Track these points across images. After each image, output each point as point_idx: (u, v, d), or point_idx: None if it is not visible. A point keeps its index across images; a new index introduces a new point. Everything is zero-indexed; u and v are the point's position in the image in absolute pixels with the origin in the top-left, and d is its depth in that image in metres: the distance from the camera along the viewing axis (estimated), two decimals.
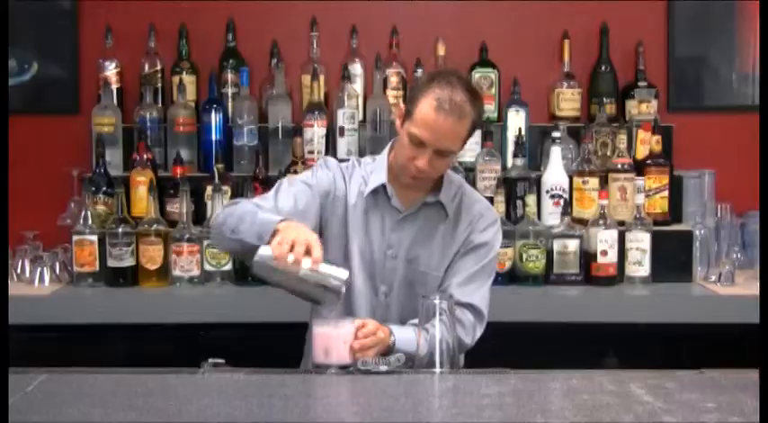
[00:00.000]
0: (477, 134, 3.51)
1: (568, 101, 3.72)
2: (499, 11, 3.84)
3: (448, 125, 2.30)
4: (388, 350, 2.28)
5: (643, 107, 3.59)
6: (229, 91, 3.70)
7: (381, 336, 2.28)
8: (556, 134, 3.46)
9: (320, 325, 2.17)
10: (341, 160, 2.59)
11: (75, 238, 3.31)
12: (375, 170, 2.50)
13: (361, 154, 3.52)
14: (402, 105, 2.44)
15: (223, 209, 2.48)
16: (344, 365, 2.13)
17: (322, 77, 3.60)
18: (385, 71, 3.68)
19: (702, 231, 3.45)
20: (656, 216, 3.42)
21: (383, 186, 2.47)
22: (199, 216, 3.43)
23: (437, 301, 2.19)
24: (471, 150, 3.53)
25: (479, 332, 2.48)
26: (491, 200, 3.36)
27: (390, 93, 3.68)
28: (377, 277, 2.49)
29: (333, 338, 2.14)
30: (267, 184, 3.41)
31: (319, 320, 2.19)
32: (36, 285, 3.33)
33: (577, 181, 3.45)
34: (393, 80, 3.70)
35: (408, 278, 2.48)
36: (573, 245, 3.34)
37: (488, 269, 2.53)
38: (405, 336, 2.31)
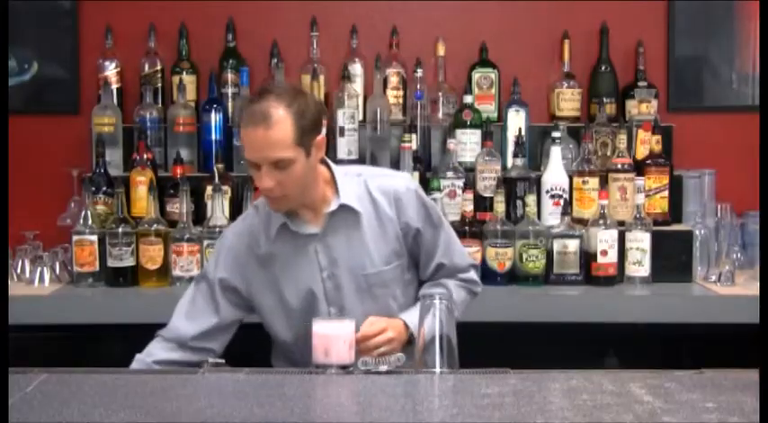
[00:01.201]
0: (478, 134, 3.53)
1: (568, 101, 3.72)
2: (499, 11, 3.84)
3: (260, 135, 2.24)
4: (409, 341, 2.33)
5: (643, 107, 3.59)
6: (229, 91, 3.70)
7: (390, 335, 2.32)
8: (556, 134, 3.46)
9: (320, 325, 2.17)
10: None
11: (75, 238, 3.31)
12: (270, 214, 2.45)
13: (362, 154, 3.53)
14: None
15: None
16: (344, 365, 2.13)
17: (322, 77, 3.60)
18: (385, 71, 3.68)
19: (702, 231, 3.45)
20: (656, 216, 3.42)
21: (285, 224, 2.42)
22: (199, 216, 3.43)
23: (437, 301, 2.19)
24: (471, 150, 3.54)
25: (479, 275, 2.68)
26: (491, 200, 3.38)
27: (390, 93, 3.68)
28: (322, 303, 2.45)
29: (332, 338, 2.13)
30: None
31: (319, 320, 2.19)
32: (36, 285, 3.33)
33: (577, 181, 3.45)
34: (393, 80, 3.70)
35: (361, 286, 2.45)
36: (573, 245, 3.34)
37: (444, 225, 2.54)
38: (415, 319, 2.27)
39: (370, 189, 2.46)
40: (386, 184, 2.48)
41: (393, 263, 2.47)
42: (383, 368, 2.11)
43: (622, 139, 3.44)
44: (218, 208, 3.31)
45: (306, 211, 2.43)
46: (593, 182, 3.43)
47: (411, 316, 2.35)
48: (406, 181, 2.55)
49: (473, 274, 2.61)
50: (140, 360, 2.41)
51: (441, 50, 3.69)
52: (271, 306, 2.48)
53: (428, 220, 2.50)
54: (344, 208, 2.41)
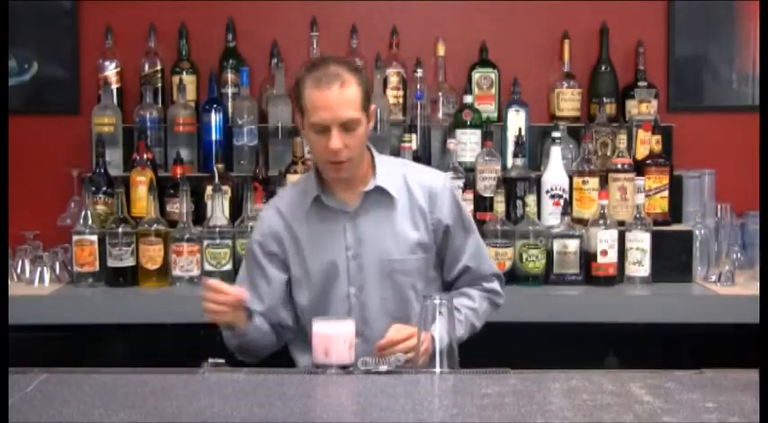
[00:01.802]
0: (478, 134, 3.53)
1: (568, 101, 3.72)
2: (499, 11, 3.84)
3: (334, 95, 2.32)
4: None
5: (643, 107, 3.59)
6: (229, 91, 3.70)
7: (413, 343, 2.26)
8: (556, 134, 3.46)
9: (320, 325, 2.17)
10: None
11: (75, 238, 3.31)
12: (306, 186, 2.51)
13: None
14: (299, 115, 2.47)
15: None
16: (344, 365, 2.13)
17: None
18: (385, 71, 3.68)
19: (702, 231, 3.45)
20: (656, 216, 3.42)
21: (318, 196, 2.47)
22: (199, 216, 3.43)
23: (437, 302, 2.19)
24: (471, 150, 3.54)
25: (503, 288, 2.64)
26: (491, 200, 3.38)
27: (390, 93, 3.68)
28: (343, 281, 2.48)
29: (332, 338, 2.14)
30: (267, 184, 3.42)
31: (319, 320, 2.19)
32: (36, 285, 3.33)
33: (577, 181, 3.45)
34: (393, 80, 3.70)
35: (384, 271, 2.48)
36: (573, 245, 3.34)
37: (474, 230, 2.60)
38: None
39: (407, 179, 2.51)
40: (423, 179, 2.54)
41: (418, 254, 2.50)
42: (383, 368, 2.11)
43: (622, 139, 3.44)
44: (218, 208, 3.31)
45: (341, 189, 2.48)
46: (593, 182, 3.43)
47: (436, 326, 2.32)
48: (443, 179, 2.60)
49: (496, 285, 2.61)
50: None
51: (441, 50, 3.69)
52: (296, 277, 2.52)
53: (459, 221, 2.54)
54: (380, 190, 2.47)
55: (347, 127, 2.33)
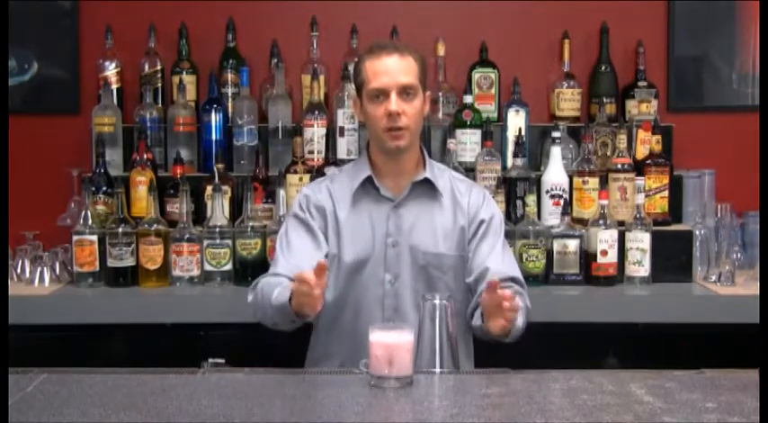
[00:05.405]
0: (478, 134, 3.53)
1: (568, 101, 3.72)
2: (499, 11, 3.84)
3: (394, 60, 2.48)
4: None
5: (643, 107, 3.59)
6: (229, 91, 3.70)
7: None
8: (556, 134, 3.46)
9: (380, 334, 2.03)
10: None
11: (75, 238, 3.31)
12: (357, 169, 2.61)
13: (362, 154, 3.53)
14: (356, 99, 2.60)
15: (250, 292, 2.59)
16: (405, 376, 2.02)
17: (322, 77, 3.60)
18: None
19: (702, 231, 3.45)
20: (656, 216, 3.42)
21: (369, 178, 2.56)
22: (199, 216, 3.43)
23: (437, 302, 2.19)
24: (471, 150, 3.54)
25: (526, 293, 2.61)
26: None
27: None
28: (379, 267, 2.54)
29: (395, 348, 2.00)
30: (267, 183, 3.42)
31: (377, 329, 2.05)
32: (36, 285, 3.33)
33: (577, 181, 3.45)
34: None
35: (419, 263, 2.55)
36: (573, 245, 3.34)
37: (504, 238, 2.67)
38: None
39: (453, 180, 2.65)
40: (467, 181, 2.73)
41: (453, 252, 2.57)
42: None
43: (622, 139, 3.44)
44: (218, 208, 3.31)
45: (391, 176, 2.57)
46: (593, 182, 3.43)
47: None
48: (483, 188, 2.81)
49: (518, 288, 2.53)
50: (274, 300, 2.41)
51: (441, 50, 3.69)
52: (330, 256, 2.55)
53: (492, 221, 2.62)
54: (427, 183, 2.57)
55: (406, 93, 2.46)
